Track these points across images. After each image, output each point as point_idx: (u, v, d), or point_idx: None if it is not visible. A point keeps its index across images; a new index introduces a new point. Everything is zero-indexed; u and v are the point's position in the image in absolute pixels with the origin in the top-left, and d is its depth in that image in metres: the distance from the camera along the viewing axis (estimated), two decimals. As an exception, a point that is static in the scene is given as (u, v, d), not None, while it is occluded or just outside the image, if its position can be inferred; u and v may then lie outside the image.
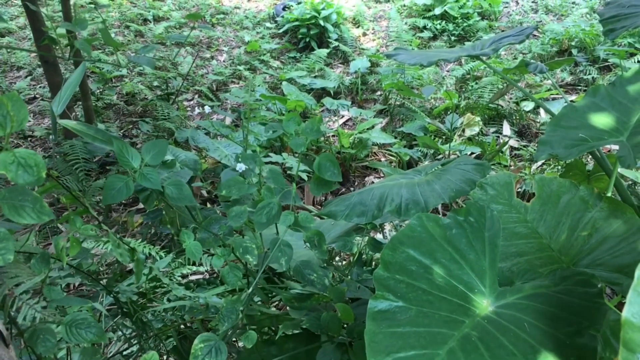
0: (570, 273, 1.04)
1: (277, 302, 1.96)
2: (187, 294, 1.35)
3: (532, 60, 3.21)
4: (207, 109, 1.49)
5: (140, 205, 3.94)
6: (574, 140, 1.39)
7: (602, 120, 1.43)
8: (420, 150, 4.11)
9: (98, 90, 5.15)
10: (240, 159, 1.24)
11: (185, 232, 1.13)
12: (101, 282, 1.24)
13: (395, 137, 4.41)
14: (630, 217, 1.24)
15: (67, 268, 1.37)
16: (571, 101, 4.63)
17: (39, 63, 5.33)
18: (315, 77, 5.46)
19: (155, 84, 5.29)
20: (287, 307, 1.30)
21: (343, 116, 4.96)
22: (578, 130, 1.42)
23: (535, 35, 5.97)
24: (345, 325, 1.23)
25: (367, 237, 1.56)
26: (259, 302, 1.47)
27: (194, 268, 2.78)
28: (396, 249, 1.00)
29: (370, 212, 1.57)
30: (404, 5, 6.84)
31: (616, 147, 1.34)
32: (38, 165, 0.74)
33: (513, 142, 4.30)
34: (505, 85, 4.65)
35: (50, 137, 4.18)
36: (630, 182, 3.37)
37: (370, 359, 0.84)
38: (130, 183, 0.98)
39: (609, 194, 1.46)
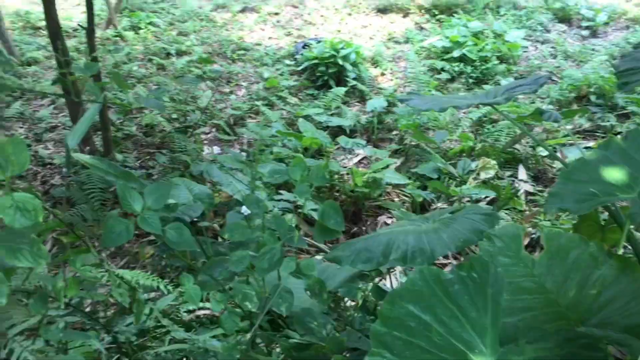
0: (575, 335, 1.00)
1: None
2: (186, 337, 1.33)
3: (546, 109, 3.20)
4: (216, 149, 1.49)
5: (152, 237, 3.95)
6: (585, 194, 1.37)
7: (613, 174, 1.41)
8: (433, 192, 4.08)
9: (118, 121, 5.24)
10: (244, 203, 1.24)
11: (185, 276, 1.12)
12: (100, 320, 1.24)
13: (410, 178, 4.39)
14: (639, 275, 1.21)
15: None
16: (587, 147, 4.60)
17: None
18: (331, 114, 5.49)
19: (174, 116, 5.37)
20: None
21: (358, 155, 4.96)
22: (589, 185, 1.40)
23: (553, 81, 5.98)
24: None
25: (371, 284, 1.54)
26: (262, 347, 1.45)
27: (201, 304, 2.75)
28: (395, 303, 0.98)
29: (376, 258, 1.55)
30: (423, 47, 6.92)
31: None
32: (36, 209, 0.75)
33: (529, 187, 4.25)
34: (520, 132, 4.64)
35: (64, 169, 4.26)
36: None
37: (362, 419, 0.81)
38: (130, 227, 0.98)
39: (620, 251, 1.42)
